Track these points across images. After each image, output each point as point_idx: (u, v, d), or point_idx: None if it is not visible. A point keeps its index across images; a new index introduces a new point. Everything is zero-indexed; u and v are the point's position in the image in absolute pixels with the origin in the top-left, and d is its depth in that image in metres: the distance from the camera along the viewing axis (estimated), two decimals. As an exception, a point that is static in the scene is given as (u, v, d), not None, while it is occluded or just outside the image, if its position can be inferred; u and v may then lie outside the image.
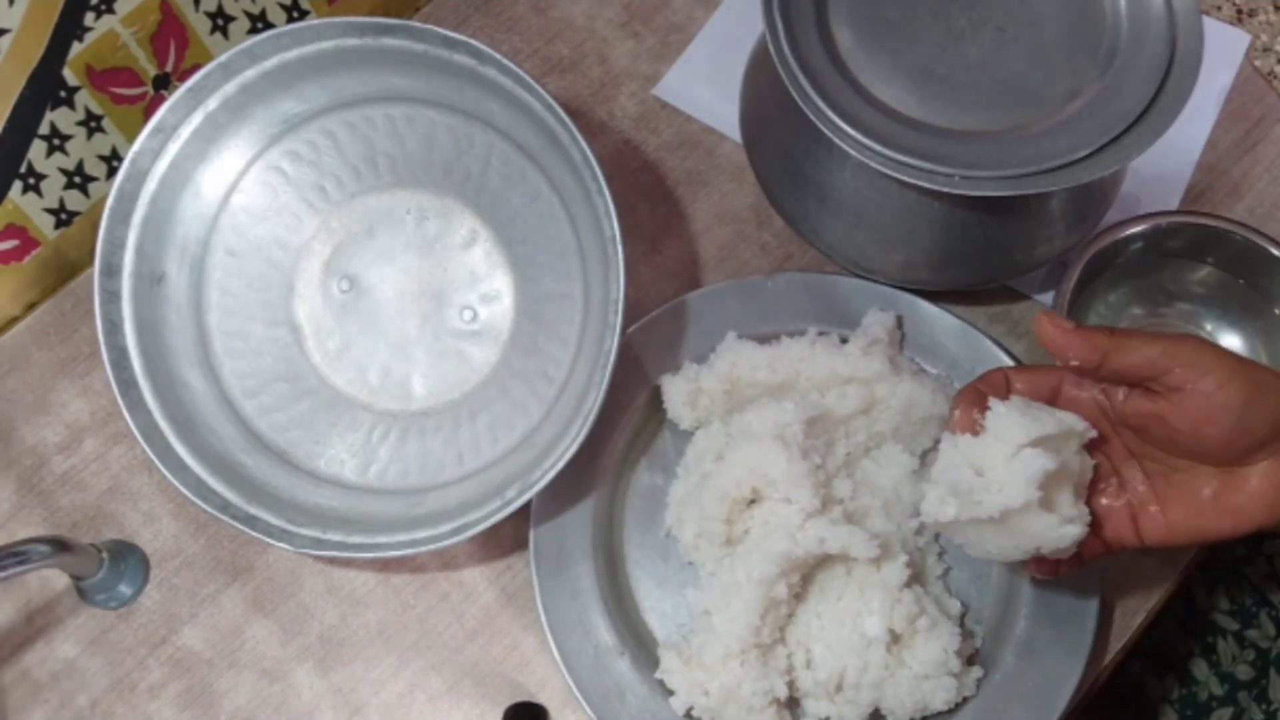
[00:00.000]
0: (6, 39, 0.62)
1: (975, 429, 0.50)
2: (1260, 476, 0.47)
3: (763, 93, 0.66)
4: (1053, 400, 0.51)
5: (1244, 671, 0.63)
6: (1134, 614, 0.62)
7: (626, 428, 0.65)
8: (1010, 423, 0.48)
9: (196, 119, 0.64)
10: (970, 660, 0.60)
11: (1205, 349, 0.46)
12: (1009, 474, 0.48)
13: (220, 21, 0.71)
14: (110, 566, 0.65)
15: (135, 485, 0.68)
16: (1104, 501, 0.51)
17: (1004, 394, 0.51)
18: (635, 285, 0.71)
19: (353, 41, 0.62)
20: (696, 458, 0.63)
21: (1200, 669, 0.66)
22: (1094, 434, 0.50)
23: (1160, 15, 0.57)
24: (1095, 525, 0.50)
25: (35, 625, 0.66)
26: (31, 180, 0.68)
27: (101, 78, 0.67)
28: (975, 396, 0.51)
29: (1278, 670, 0.62)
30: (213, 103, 0.64)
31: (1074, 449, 0.49)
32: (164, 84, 0.71)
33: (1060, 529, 0.48)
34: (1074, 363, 0.49)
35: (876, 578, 0.58)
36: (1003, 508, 0.48)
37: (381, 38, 0.62)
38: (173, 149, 0.64)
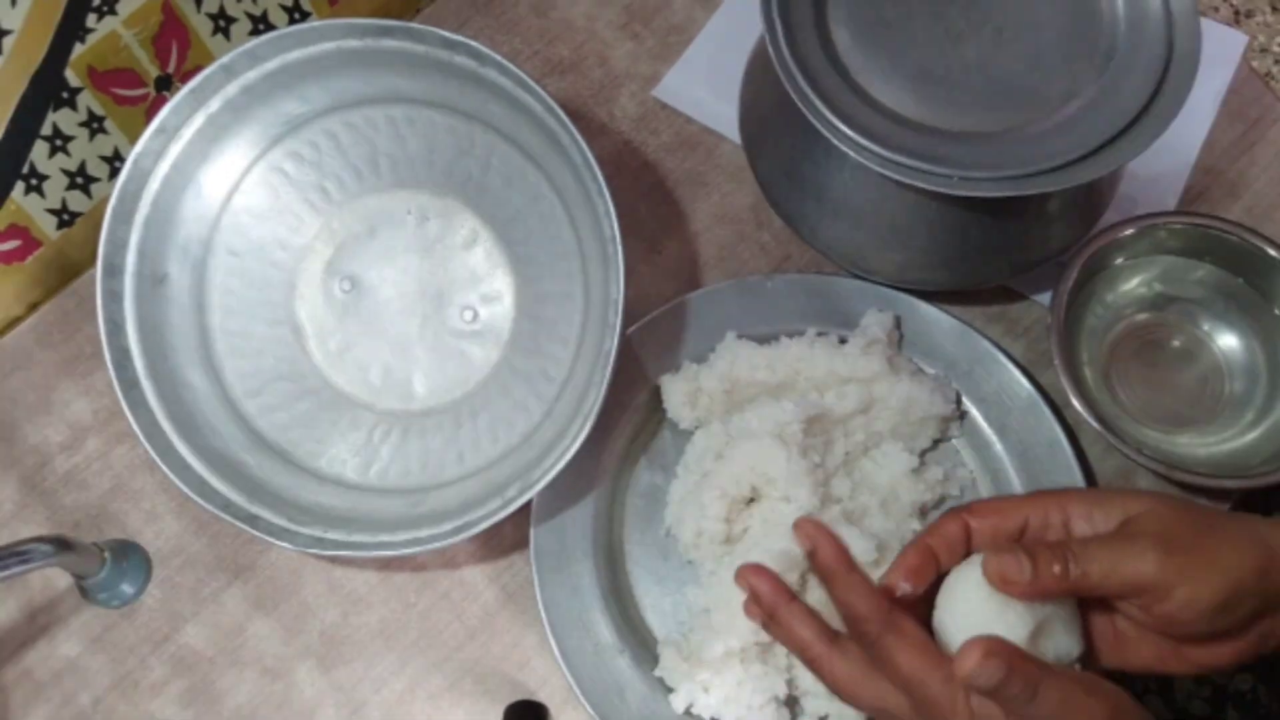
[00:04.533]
0: (9, 40, 0.62)
1: (916, 595, 0.46)
2: (1230, 643, 0.46)
3: (762, 94, 0.66)
4: (1018, 540, 0.48)
5: (1199, 708, 0.63)
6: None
7: (626, 427, 0.66)
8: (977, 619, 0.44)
9: (198, 120, 0.64)
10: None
11: (1168, 566, 0.43)
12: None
13: (222, 23, 0.71)
14: (112, 565, 0.65)
15: (137, 484, 0.69)
16: None
17: (963, 547, 0.47)
18: (635, 285, 0.71)
19: (354, 43, 0.63)
20: (696, 457, 0.64)
21: (1155, 705, 0.66)
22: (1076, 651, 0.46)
23: (1158, 16, 0.57)
24: None
25: (37, 624, 0.66)
26: (34, 181, 0.68)
27: (103, 79, 0.68)
28: (920, 557, 0.47)
29: (1234, 705, 0.62)
30: (215, 104, 0.64)
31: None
32: (166, 85, 0.71)
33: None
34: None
35: (875, 576, 0.58)
36: None
37: (382, 39, 0.62)
38: (175, 150, 0.64)
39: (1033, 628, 0.44)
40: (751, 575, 0.49)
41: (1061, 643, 0.46)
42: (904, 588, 0.46)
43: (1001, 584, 0.44)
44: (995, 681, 0.41)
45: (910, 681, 0.44)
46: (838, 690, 0.47)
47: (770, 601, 0.48)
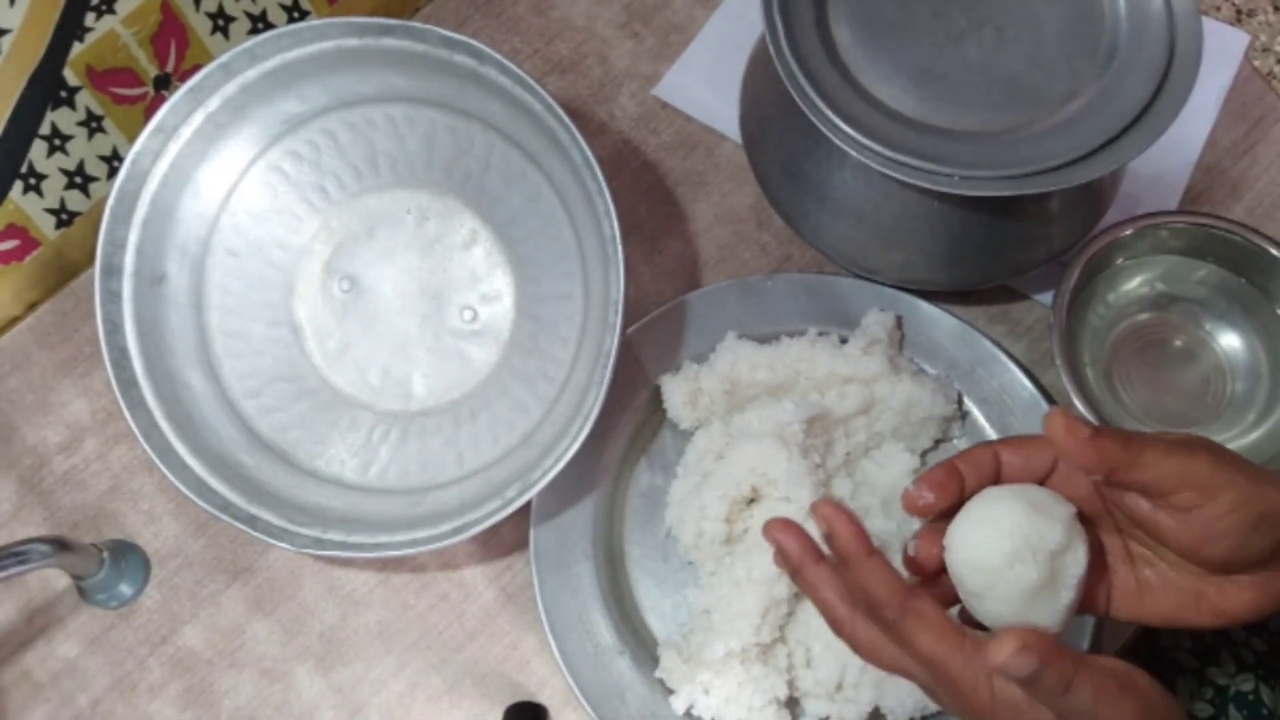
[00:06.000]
0: (7, 39, 0.62)
1: (933, 507, 0.46)
2: (1251, 587, 0.46)
3: (762, 93, 0.66)
4: (1047, 477, 0.48)
5: (1203, 709, 0.63)
6: (1106, 651, 0.61)
7: (626, 427, 0.65)
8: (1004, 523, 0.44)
9: (197, 119, 0.64)
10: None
11: (1220, 470, 0.44)
12: (999, 585, 0.45)
13: (221, 22, 0.71)
14: (111, 566, 0.65)
15: (136, 485, 0.69)
16: None
17: (992, 475, 0.47)
18: (635, 285, 0.71)
19: (353, 42, 0.63)
20: (696, 457, 0.64)
21: None
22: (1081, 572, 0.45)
23: (1159, 15, 0.57)
24: None
25: (36, 625, 0.66)
26: (32, 180, 0.68)
27: (102, 78, 0.68)
28: (946, 472, 0.47)
29: (1237, 707, 0.62)
30: (213, 103, 0.64)
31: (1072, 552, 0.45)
32: (165, 84, 0.71)
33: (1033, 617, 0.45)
34: (1081, 468, 0.45)
35: (876, 577, 0.58)
36: (991, 619, 0.45)
37: (382, 38, 0.62)
38: (173, 149, 0.64)
39: (1047, 559, 0.44)
40: (778, 532, 0.47)
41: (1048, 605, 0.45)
42: (926, 497, 0.46)
43: (1065, 432, 0.43)
44: (1028, 673, 0.41)
45: (931, 661, 0.44)
46: (858, 653, 0.47)
47: (796, 560, 0.47)
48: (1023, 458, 0.48)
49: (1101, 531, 0.49)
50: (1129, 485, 0.45)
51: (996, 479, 0.48)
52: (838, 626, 0.47)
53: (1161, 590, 0.47)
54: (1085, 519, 0.47)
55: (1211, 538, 0.45)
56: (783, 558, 0.48)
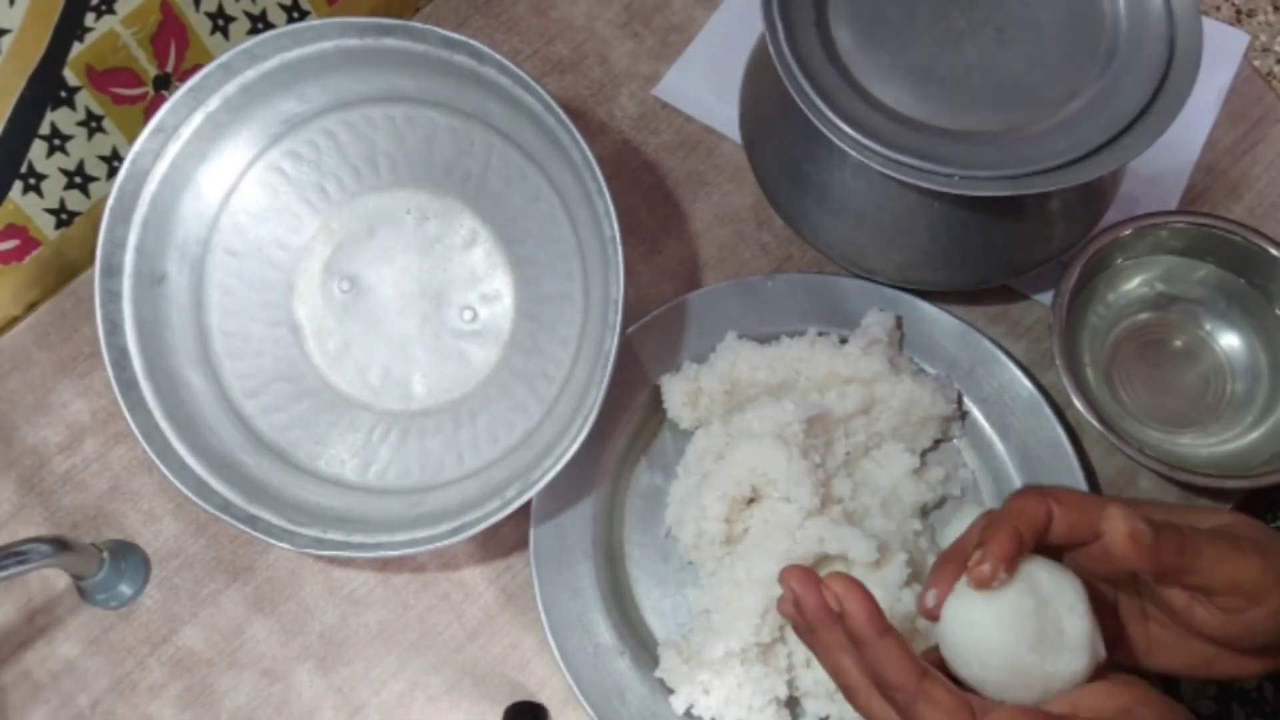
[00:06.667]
0: (7, 39, 0.62)
1: (1006, 575, 0.45)
2: (1268, 661, 0.46)
3: (762, 93, 0.66)
4: (1094, 540, 0.46)
5: (1206, 707, 0.64)
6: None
7: (626, 427, 0.65)
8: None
9: (197, 119, 0.64)
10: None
11: (1269, 573, 0.44)
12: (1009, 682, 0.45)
13: (220, 22, 0.71)
14: (111, 566, 0.65)
15: (136, 485, 0.69)
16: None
17: (1044, 532, 0.45)
18: (635, 285, 0.71)
19: (353, 42, 0.63)
20: (696, 457, 0.64)
21: None
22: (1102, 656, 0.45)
23: (1159, 15, 0.57)
24: None
25: (36, 625, 0.66)
26: (32, 180, 0.68)
27: (102, 78, 0.68)
28: (1013, 542, 0.44)
29: (1240, 704, 0.62)
30: (213, 103, 0.64)
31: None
32: (164, 84, 0.71)
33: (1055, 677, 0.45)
34: (1135, 570, 0.45)
35: (876, 576, 0.58)
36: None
37: (382, 38, 0.62)
38: (173, 149, 0.64)
39: (1049, 655, 0.44)
40: (797, 583, 0.45)
41: (1070, 659, 0.44)
42: (1002, 577, 0.44)
43: (1127, 542, 0.43)
44: None
45: None
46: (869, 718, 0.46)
47: (814, 618, 0.45)
48: (1071, 523, 0.45)
49: (1120, 590, 0.48)
50: (1179, 585, 0.45)
51: (1048, 532, 0.46)
52: (852, 695, 0.46)
53: (1173, 650, 0.47)
54: (1107, 580, 0.46)
55: (1248, 636, 0.45)
56: (798, 613, 0.46)
